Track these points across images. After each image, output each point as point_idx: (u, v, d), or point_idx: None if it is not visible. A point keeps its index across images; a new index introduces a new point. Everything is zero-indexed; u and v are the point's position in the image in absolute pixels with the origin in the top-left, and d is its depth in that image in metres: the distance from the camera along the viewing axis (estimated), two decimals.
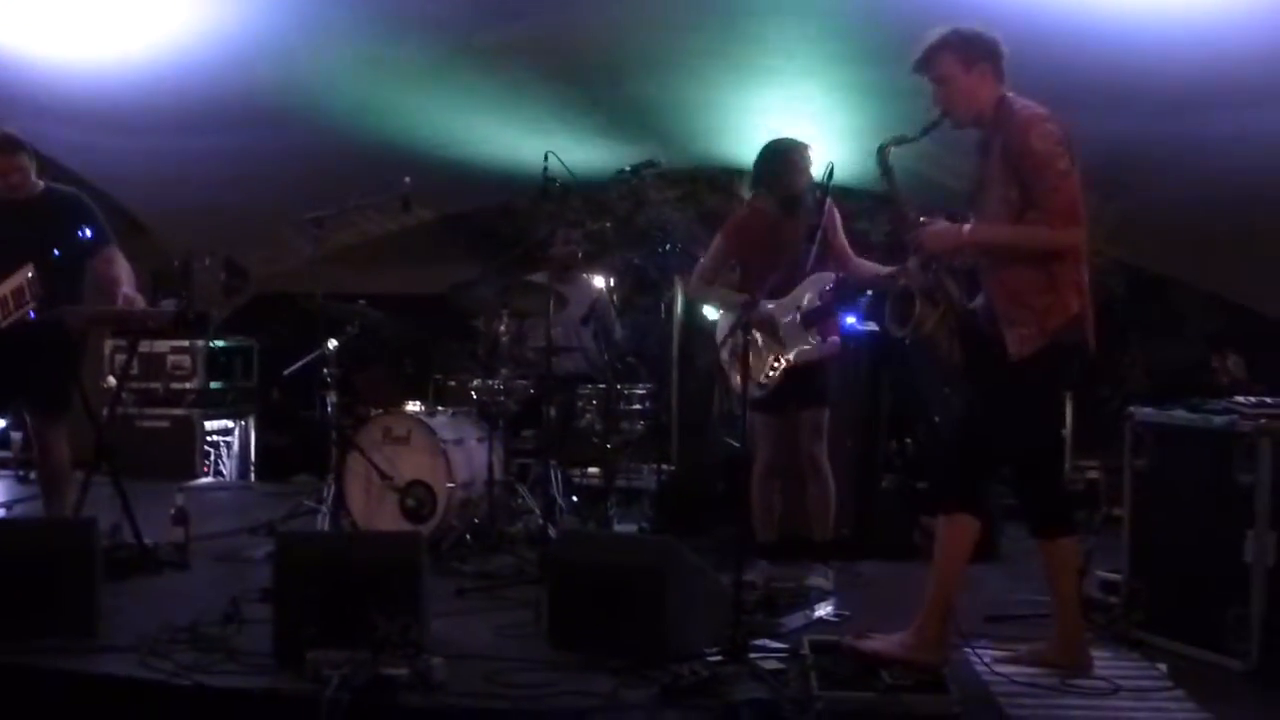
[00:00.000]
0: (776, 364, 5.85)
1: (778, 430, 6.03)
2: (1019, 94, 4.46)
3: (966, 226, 4.47)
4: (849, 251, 6.05)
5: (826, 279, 5.90)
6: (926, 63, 4.48)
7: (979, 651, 4.68)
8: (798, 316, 5.90)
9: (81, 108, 8.16)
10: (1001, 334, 4.42)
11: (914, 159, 4.98)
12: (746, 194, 6.19)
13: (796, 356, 5.89)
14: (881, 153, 4.62)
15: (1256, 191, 7.48)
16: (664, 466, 7.70)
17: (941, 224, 4.53)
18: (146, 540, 6.02)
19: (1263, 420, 4.61)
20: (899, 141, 4.62)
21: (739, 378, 5.41)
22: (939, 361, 4.64)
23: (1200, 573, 4.81)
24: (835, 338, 5.96)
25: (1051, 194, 4.26)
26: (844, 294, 5.97)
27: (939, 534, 4.51)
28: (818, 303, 5.88)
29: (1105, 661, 4.68)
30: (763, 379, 5.83)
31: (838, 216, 6.06)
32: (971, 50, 4.43)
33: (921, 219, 4.57)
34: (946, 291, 4.53)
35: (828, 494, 6.02)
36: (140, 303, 6.07)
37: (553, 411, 6.84)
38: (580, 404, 7.31)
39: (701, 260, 6.30)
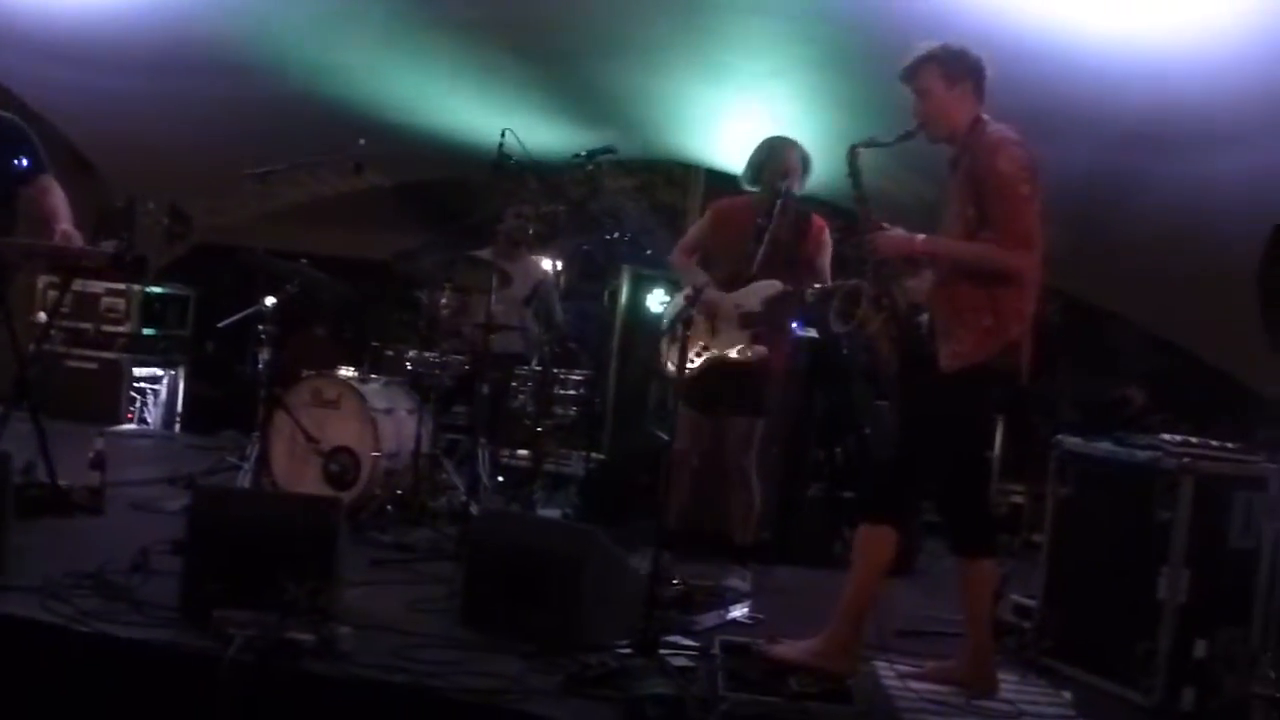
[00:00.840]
0: (701, 353, 5.85)
1: (699, 427, 6.00)
2: (995, 117, 4.50)
3: (920, 236, 4.49)
4: (826, 275, 6.00)
5: (774, 287, 5.86)
6: (912, 73, 4.53)
7: (888, 664, 4.70)
8: (736, 315, 5.88)
9: (42, 39, 8.05)
10: (937, 347, 4.44)
11: (878, 175, 4.98)
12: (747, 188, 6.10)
13: (721, 351, 5.88)
14: (852, 153, 4.67)
15: (1203, 235, 7.53)
16: (593, 455, 7.67)
17: (897, 230, 4.58)
18: (61, 482, 5.92)
19: (1186, 459, 4.66)
20: (870, 144, 4.67)
21: (670, 363, 5.42)
22: (876, 366, 4.67)
23: (1113, 605, 4.86)
24: (763, 348, 5.88)
25: (1009, 217, 4.28)
26: (788, 307, 5.93)
27: (858, 543, 4.54)
28: (758, 309, 5.85)
29: (1012, 685, 4.71)
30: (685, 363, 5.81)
31: (827, 236, 6.05)
32: (955, 68, 4.48)
33: (882, 224, 4.59)
34: (893, 298, 4.56)
35: (753, 502, 6.02)
36: (78, 240, 5.96)
37: (486, 389, 6.80)
38: (515, 384, 7.27)
39: (687, 234, 6.35)
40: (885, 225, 4.62)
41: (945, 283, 4.49)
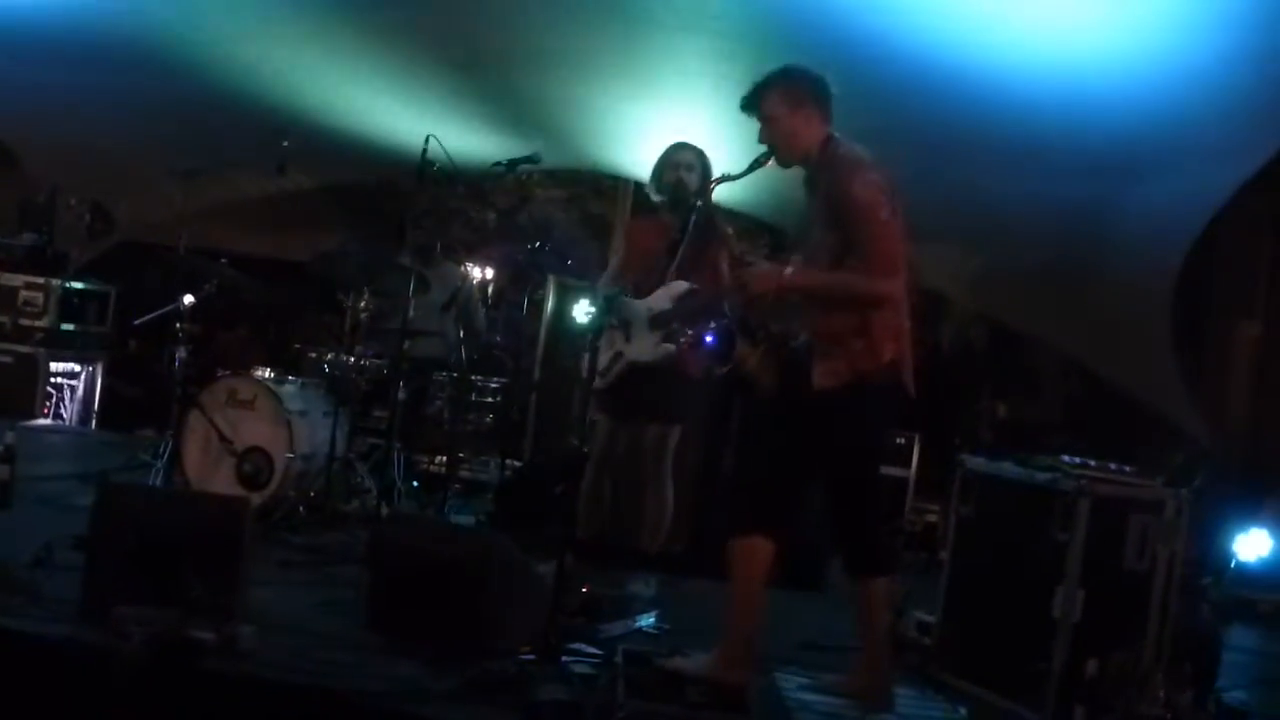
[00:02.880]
0: (615, 360, 5.90)
1: (615, 435, 6.07)
2: (850, 138, 4.50)
3: (789, 270, 4.47)
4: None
5: (680, 288, 5.88)
6: (753, 101, 4.54)
7: (787, 677, 4.76)
8: (646, 318, 5.93)
9: None
10: (813, 366, 4.46)
11: (753, 191, 5.03)
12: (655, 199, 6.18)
13: (635, 354, 5.92)
14: (704, 189, 4.67)
15: (1120, 263, 7.66)
16: (509, 461, 7.69)
17: (764, 265, 4.59)
18: None
19: (1084, 481, 4.75)
20: (721, 179, 4.70)
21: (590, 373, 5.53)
22: (759, 396, 4.70)
23: (1009, 623, 4.94)
24: (670, 346, 5.89)
25: (871, 243, 4.29)
26: (697, 305, 5.97)
27: (732, 556, 4.48)
28: (666, 306, 5.90)
29: (908, 700, 4.76)
30: (600, 370, 5.86)
31: (732, 242, 6.11)
32: (798, 90, 4.48)
33: (747, 259, 4.62)
34: (767, 331, 4.57)
35: (664, 510, 6.07)
36: None
37: (403, 394, 6.80)
38: (432, 390, 7.27)
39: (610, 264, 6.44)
40: (751, 260, 4.64)
41: (815, 309, 4.49)
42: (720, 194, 5.80)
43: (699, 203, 5.72)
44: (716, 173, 5.68)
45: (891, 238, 4.32)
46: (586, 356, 5.83)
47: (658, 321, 5.89)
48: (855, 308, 4.36)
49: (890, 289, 4.34)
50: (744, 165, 4.67)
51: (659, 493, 6.06)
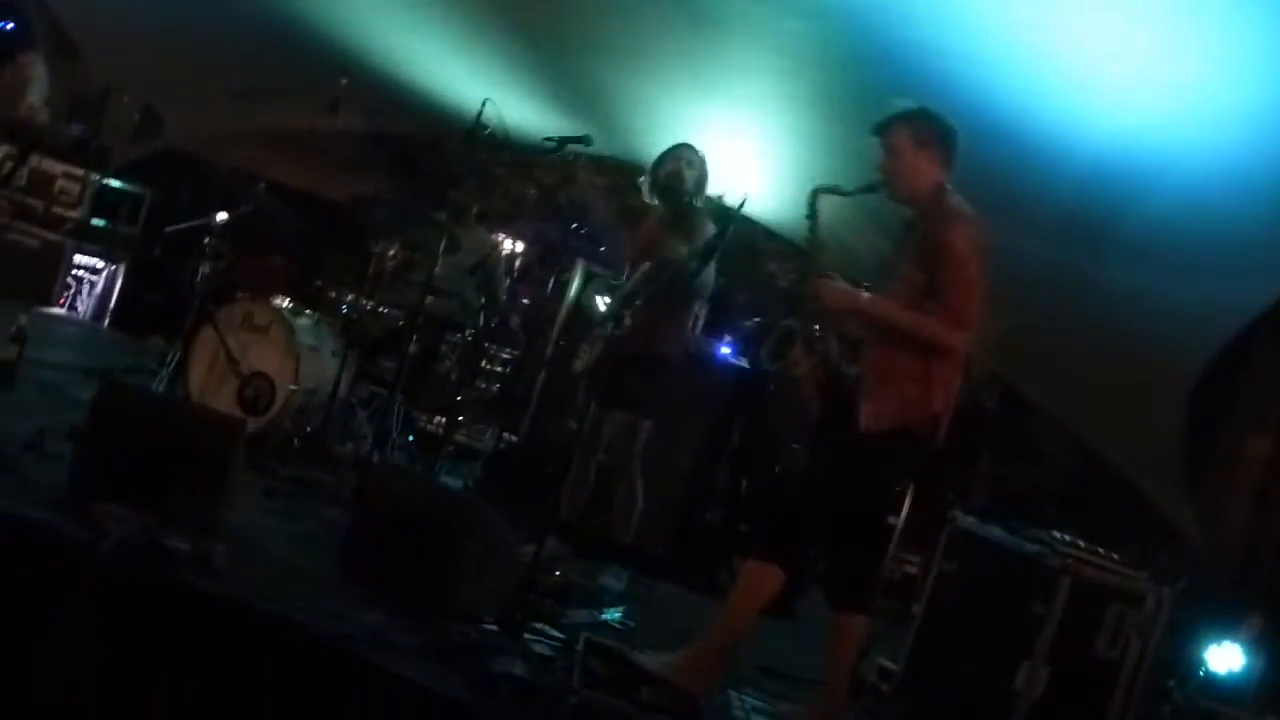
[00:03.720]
0: (597, 343, 5.98)
1: (600, 420, 6.10)
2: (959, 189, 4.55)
3: (865, 295, 4.54)
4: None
5: (648, 269, 5.96)
6: (884, 128, 4.57)
7: (742, 697, 4.76)
8: (620, 300, 6.00)
9: None
10: (860, 403, 4.49)
11: (838, 222, 5.03)
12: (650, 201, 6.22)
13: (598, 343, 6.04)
14: (813, 195, 4.70)
15: (1139, 347, 7.62)
16: (506, 434, 7.69)
17: (842, 283, 4.61)
18: None
19: (1070, 560, 4.76)
20: (832, 190, 4.71)
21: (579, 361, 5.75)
22: (797, 409, 4.73)
23: (970, 686, 4.95)
24: (630, 323, 5.93)
25: (954, 292, 4.33)
26: (664, 278, 5.94)
27: (743, 574, 4.56)
28: (638, 285, 5.94)
29: None
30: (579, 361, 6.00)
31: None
32: (927, 131, 4.53)
33: (829, 274, 4.64)
34: (826, 346, 4.61)
35: (634, 499, 6.09)
36: (44, 116, 5.92)
37: (415, 348, 6.81)
38: (444, 350, 7.27)
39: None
40: (832, 275, 4.67)
41: (879, 343, 4.55)
42: (763, 211, 5.85)
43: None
44: (764, 187, 5.73)
45: (974, 294, 4.37)
46: (584, 345, 5.89)
47: (628, 300, 5.96)
48: (918, 351, 4.39)
49: (958, 342, 4.38)
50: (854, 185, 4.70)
51: (628, 483, 6.09)
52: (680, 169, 6.03)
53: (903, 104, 4.58)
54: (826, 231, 4.78)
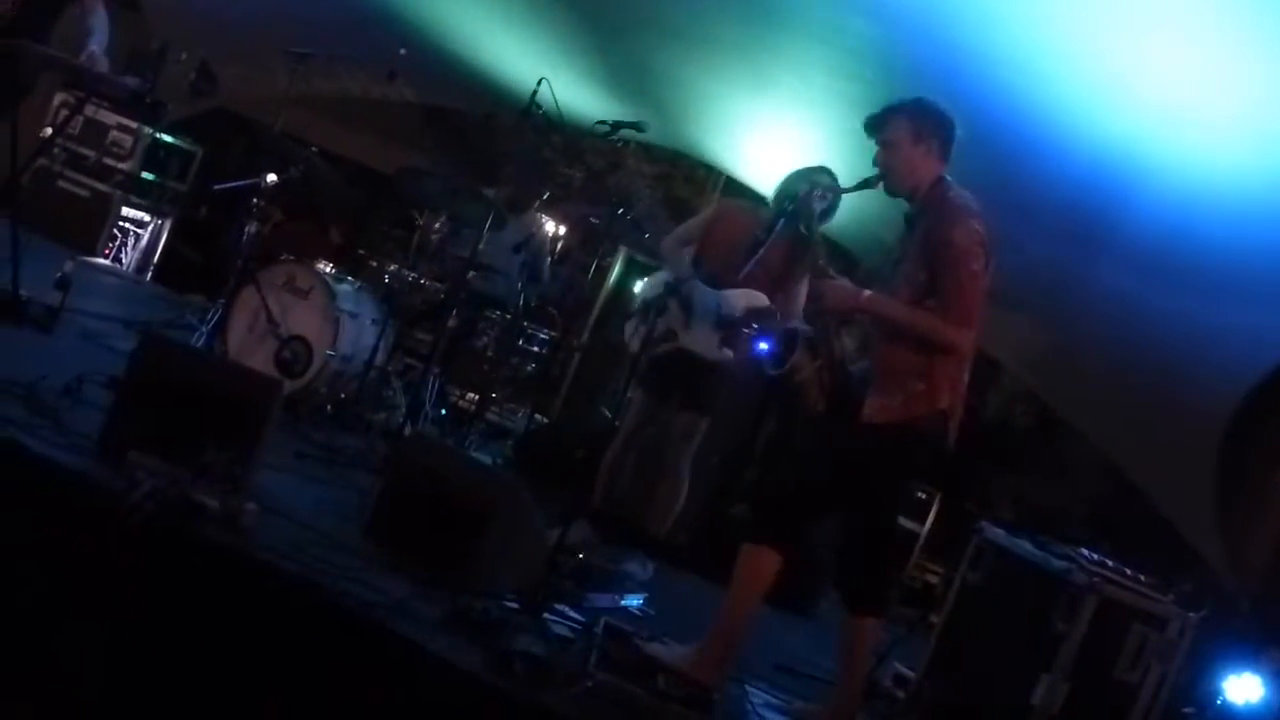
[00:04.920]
0: (668, 339, 5.88)
1: (650, 412, 6.08)
2: (963, 182, 4.50)
3: (867, 292, 4.50)
4: (798, 303, 5.90)
5: (755, 297, 5.80)
6: (879, 123, 4.54)
7: (755, 692, 4.76)
8: (714, 314, 5.87)
9: None
10: (866, 396, 4.46)
11: (878, 222, 5.00)
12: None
13: (689, 345, 5.89)
14: (808, 195, 4.68)
15: (1180, 376, 7.57)
16: (538, 416, 7.70)
17: (844, 282, 4.60)
18: (22, 292, 5.90)
19: (1096, 579, 4.72)
20: (827, 190, 4.68)
21: (635, 342, 5.59)
22: (803, 409, 4.71)
23: (988, 697, 4.93)
24: (730, 352, 5.89)
25: (955, 289, 4.28)
26: (764, 322, 5.94)
27: (739, 561, 4.49)
28: (737, 315, 5.85)
29: None
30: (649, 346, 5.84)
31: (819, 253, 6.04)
32: (924, 123, 4.48)
33: (831, 272, 4.62)
34: (830, 346, 4.58)
35: (677, 497, 6.08)
36: (103, 65, 5.94)
37: (454, 322, 6.82)
38: (482, 326, 7.28)
39: (684, 225, 6.34)
40: (834, 275, 4.64)
41: (883, 340, 4.51)
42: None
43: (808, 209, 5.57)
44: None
45: (976, 290, 4.31)
46: (640, 329, 5.81)
47: (725, 324, 5.86)
48: (922, 348, 4.35)
49: (960, 339, 4.33)
50: (851, 181, 4.67)
51: (675, 479, 6.07)
52: (810, 199, 5.77)
53: (899, 98, 4.54)
54: (851, 223, 4.74)
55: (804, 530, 4.60)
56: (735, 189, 9.68)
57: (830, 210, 5.63)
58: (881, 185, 4.56)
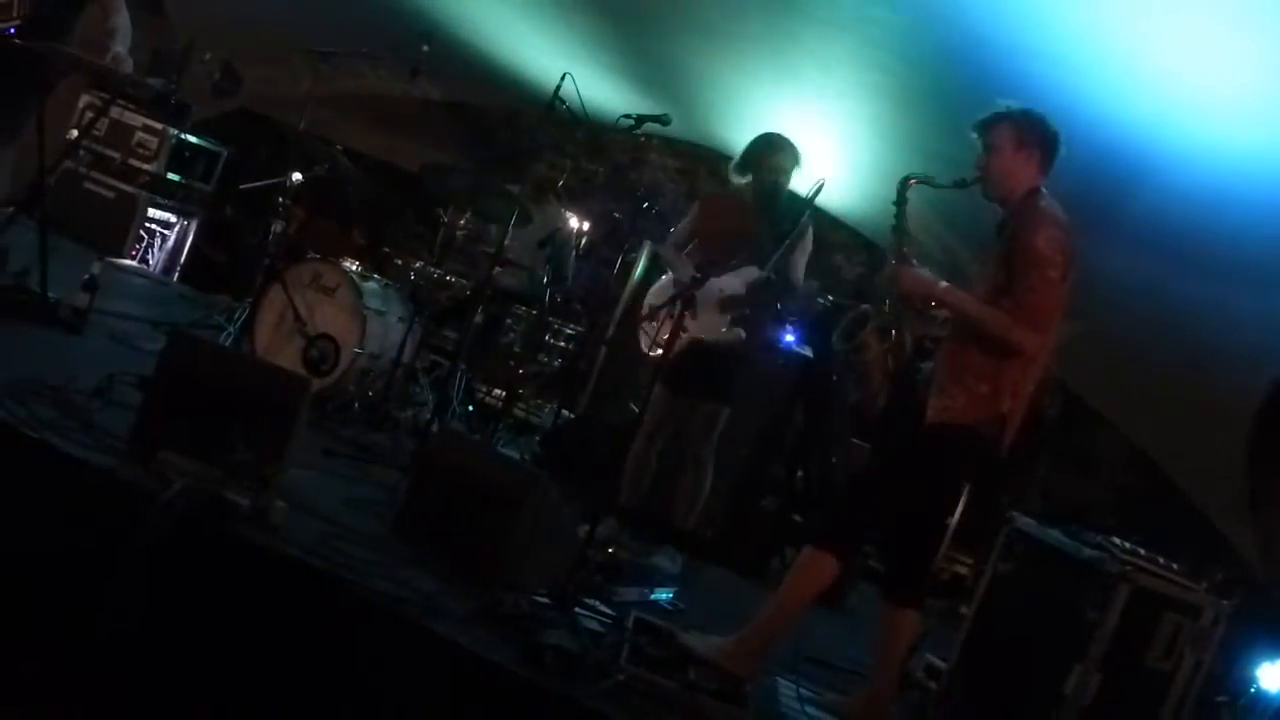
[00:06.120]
0: (682, 333, 5.89)
1: (670, 406, 6.08)
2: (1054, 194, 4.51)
3: (943, 283, 4.51)
4: (798, 273, 6.10)
5: (755, 273, 5.90)
6: (986, 125, 4.55)
7: (788, 685, 4.75)
8: (717, 299, 5.92)
9: None
10: (928, 398, 4.48)
11: (913, 219, 4.96)
12: (735, 178, 6.15)
13: (699, 334, 5.91)
14: (904, 184, 4.68)
15: (1213, 367, 7.52)
16: (565, 411, 7.70)
17: (923, 270, 4.61)
18: (51, 294, 5.93)
19: (1129, 567, 4.68)
20: (924, 181, 4.69)
21: (649, 342, 5.58)
22: (864, 396, 4.70)
23: (1019, 687, 4.88)
24: (740, 330, 5.93)
25: (1030, 292, 4.29)
26: (768, 295, 5.95)
27: (799, 561, 4.55)
28: (740, 293, 5.88)
29: None
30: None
31: (809, 241, 6.10)
32: (1029, 133, 4.49)
33: (911, 260, 4.62)
34: (900, 332, 4.60)
35: (701, 488, 6.08)
36: (127, 66, 5.96)
37: (480, 319, 6.82)
38: (508, 322, 7.28)
39: (675, 230, 6.34)
40: (914, 262, 4.65)
41: (956, 340, 4.53)
42: (833, 201, 5.79)
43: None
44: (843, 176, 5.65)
45: (1050, 296, 4.33)
46: (658, 328, 5.85)
47: (730, 305, 5.88)
48: (990, 351, 4.36)
49: (1029, 343, 4.33)
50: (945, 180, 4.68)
51: (699, 470, 6.07)
52: (779, 180, 5.96)
53: (1006, 103, 4.54)
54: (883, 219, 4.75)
55: (864, 535, 4.64)
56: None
57: (796, 167, 6.03)
58: (978, 187, 4.57)
